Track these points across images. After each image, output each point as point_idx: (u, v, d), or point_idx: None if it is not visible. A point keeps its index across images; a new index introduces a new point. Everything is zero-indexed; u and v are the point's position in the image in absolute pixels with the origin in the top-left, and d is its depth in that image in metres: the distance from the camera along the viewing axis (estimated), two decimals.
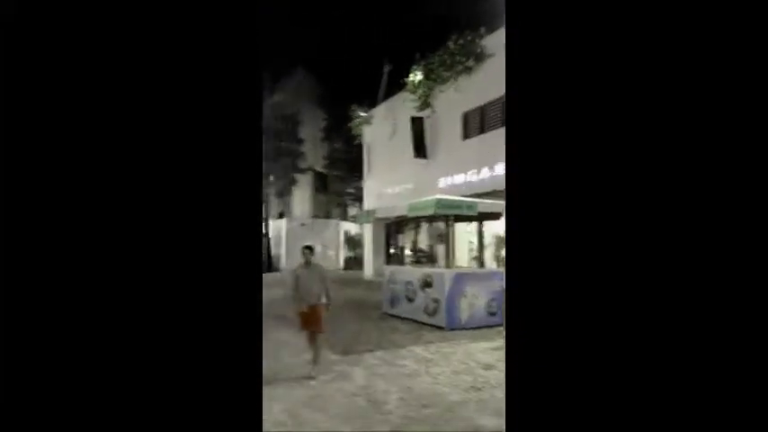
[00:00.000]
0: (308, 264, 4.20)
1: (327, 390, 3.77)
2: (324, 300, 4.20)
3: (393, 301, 7.29)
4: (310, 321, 4.14)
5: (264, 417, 3.42)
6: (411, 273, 6.98)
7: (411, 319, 6.72)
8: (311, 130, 22.60)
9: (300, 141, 21.07)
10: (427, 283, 6.44)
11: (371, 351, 5.02)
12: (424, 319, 6.46)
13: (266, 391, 3.61)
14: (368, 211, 9.06)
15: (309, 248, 4.28)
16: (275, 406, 3.41)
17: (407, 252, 8.83)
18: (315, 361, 4.15)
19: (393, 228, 8.58)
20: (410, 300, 6.85)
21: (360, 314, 7.57)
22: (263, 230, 20.70)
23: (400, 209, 6.97)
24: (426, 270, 6.75)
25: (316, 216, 22.46)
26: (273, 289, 9.25)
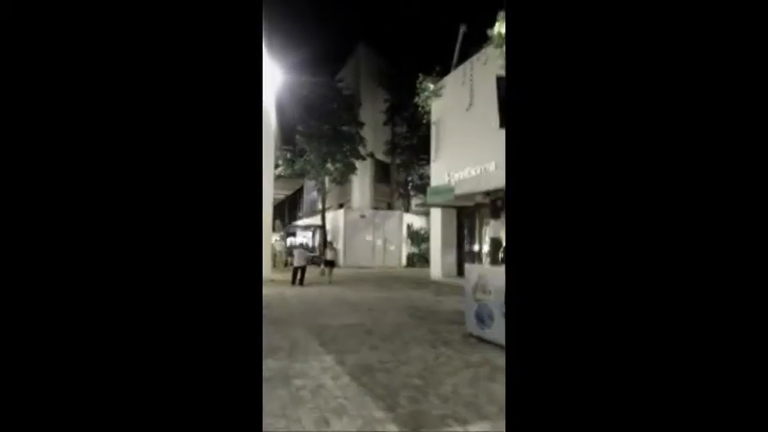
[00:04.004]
0: None
1: None
2: None
3: (482, 319, 4.92)
4: None
5: None
6: None
7: None
8: (372, 113, 20.72)
9: (360, 125, 19.27)
10: None
11: (465, 424, 2.73)
12: None
13: None
14: (442, 188, 6.59)
15: None
16: None
17: (486, 248, 6.39)
18: None
19: (469, 215, 6.14)
20: None
21: (433, 334, 5.28)
22: (321, 222, 19.28)
23: (495, 178, 4.56)
24: None
25: (376, 207, 20.51)
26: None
